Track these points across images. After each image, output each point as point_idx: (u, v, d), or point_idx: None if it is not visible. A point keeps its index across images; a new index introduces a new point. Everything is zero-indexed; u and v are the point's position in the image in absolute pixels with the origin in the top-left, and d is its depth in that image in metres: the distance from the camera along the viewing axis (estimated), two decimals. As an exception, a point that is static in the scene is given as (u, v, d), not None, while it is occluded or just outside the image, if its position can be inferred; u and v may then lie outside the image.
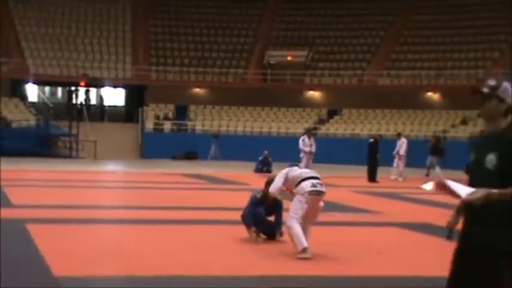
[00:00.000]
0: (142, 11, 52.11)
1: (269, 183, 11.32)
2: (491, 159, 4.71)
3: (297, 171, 10.74)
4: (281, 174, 10.80)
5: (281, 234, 11.45)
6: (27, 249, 10.05)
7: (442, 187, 4.73)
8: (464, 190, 4.63)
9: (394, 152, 29.22)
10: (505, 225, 4.62)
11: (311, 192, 10.29)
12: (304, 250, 10.06)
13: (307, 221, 10.54)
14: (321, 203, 10.71)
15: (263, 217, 11.54)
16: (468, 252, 4.77)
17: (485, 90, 4.89)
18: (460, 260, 4.82)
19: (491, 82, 4.94)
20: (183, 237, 11.89)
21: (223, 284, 8.42)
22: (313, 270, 9.30)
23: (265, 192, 11.46)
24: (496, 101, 4.85)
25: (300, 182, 10.39)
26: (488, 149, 4.78)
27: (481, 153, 4.82)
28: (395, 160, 29.41)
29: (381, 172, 27.71)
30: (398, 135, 30.37)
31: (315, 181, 10.43)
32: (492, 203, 4.54)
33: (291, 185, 10.55)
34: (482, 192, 4.53)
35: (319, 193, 10.41)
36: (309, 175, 10.59)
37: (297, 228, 10.20)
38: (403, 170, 29.37)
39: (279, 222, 11.58)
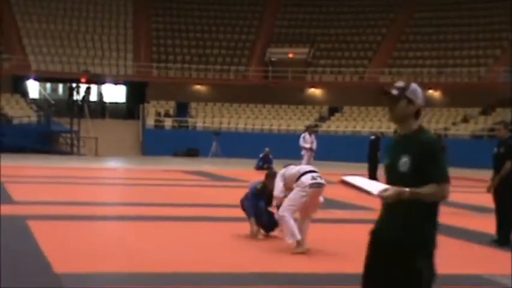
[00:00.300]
0: (144, 8, 52.10)
1: (269, 175, 11.45)
2: (404, 162, 4.73)
3: (294, 168, 10.81)
4: (279, 177, 10.90)
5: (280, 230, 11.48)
6: (28, 246, 10.07)
7: (345, 184, 4.80)
8: (375, 186, 4.66)
9: None
10: (410, 224, 4.70)
11: (312, 185, 10.37)
12: (298, 243, 10.13)
13: (306, 215, 10.59)
14: (321, 198, 10.76)
15: (263, 210, 11.60)
16: (377, 247, 4.84)
17: (394, 92, 4.87)
18: (370, 254, 4.87)
19: (399, 83, 4.95)
20: (185, 234, 11.90)
21: (224, 281, 8.43)
22: (312, 267, 9.31)
23: (265, 183, 11.56)
24: (405, 103, 4.86)
25: (299, 177, 10.46)
26: (402, 152, 4.79)
27: (395, 156, 4.84)
28: None
29: (382, 169, 27.68)
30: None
31: (314, 174, 10.52)
32: (403, 202, 4.60)
33: (290, 183, 10.60)
34: (394, 190, 4.57)
35: (320, 185, 10.50)
36: (307, 169, 10.72)
37: (290, 220, 10.29)
38: None
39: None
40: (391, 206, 4.68)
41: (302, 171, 10.66)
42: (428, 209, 4.75)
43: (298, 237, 10.16)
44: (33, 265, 8.87)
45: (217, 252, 10.21)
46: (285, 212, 10.37)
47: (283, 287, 8.26)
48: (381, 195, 4.59)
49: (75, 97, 45.05)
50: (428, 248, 4.73)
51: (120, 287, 7.90)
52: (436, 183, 4.69)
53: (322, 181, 10.58)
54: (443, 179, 4.74)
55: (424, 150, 4.73)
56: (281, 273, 8.94)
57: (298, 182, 10.43)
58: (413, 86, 4.94)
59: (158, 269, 8.83)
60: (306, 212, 10.59)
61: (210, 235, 11.74)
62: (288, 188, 10.77)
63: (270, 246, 10.82)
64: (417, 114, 4.92)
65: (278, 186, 10.80)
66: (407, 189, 4.58)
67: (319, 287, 8.39)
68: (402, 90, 4.89)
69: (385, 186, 4.64)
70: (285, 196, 11.02)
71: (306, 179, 10.40)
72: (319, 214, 14.70)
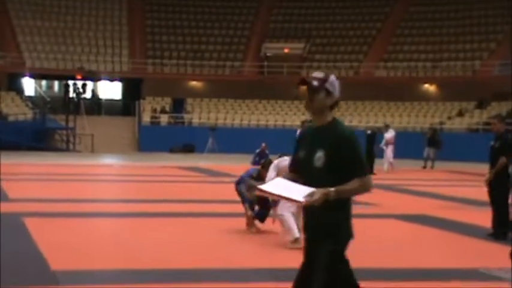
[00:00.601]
0: (139, 4, 52.02)
1: (266, 165, 11.52)
2: (319, 156, 4.68)
3: (287, 160, 10.80)
4: (272, 167, 10.98)
5: (273, 221, 11.48)
6: (24, 243, 10.06)
7: (264, 193, 4.68)
8: (299, 192, 4.57)
9: (382, 144, 28.96)
10: (331, 220, 4.68)
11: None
12: (296, 240, 10.17)
13: (299, 210, 10.66)
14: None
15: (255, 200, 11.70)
16: (307, 244, 4.88)
17: (315, 83, 4.81)
18: (304, 251, 4.91)
19: (319, 74, 4.86)
20: (181, 230, 11.91)
21: (221, 277, 8.43)
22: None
23: (261, 172, 11.69)
24: (324, 94, 4.80)
25: None
26: (316, 145, 4.74)
27: (310, 150, 4.78)
28: (386, 152, 29.06)
29: (378, 164, 27.73)
30: (387, 127, 30.06)
31: None
32: (330, 201, 4.56)
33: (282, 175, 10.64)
34: (320, 193, 4.52)
35: None
36: None
37: (289, 218, 10.39)
38: (393, 161, 29.01)
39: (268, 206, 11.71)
40: (312, 208, 4.62)
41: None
42: (346, 207, 4.75)
43: (297, 234, 10.21)
44: (30, 262, 8.86)
45: (214, 248, 10.22)
46: (283, 210, 10.48)
47: (280, 283, 8.26)
48: (308, 203, 4.52)
49: (72, 94, 45.03)
50: (339, 237, 4.71)
51: (116, 284, 7.90)
52: (358, 177, 4.63)
53: None
54: (364, 172, 4.68)
55: (339, 143, 4.66)
56: (278, 268, 8.94)
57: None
58: (332, 78, 4.88)
59: (154, 265, 8.83)
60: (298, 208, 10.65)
61: (207, 231, 11.75)
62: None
63: (266, 241, 10.83)
64: (333, 106, 4.86)
65: (270, 176, 10.83)
66: (332, 189, 4.53)
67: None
68: (322, 81, 4.82)
69: (309, 190, 4.55)
70: None
71: None
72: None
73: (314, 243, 4.77)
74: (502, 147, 11.68)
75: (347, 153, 4.64)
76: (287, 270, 8.89)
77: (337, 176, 4.61)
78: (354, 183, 4.61)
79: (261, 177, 11.59)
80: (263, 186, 4.70)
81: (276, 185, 4.68)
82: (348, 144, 4.67)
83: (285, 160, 10.84)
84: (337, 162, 4.63)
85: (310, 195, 4.52)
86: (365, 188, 4.69)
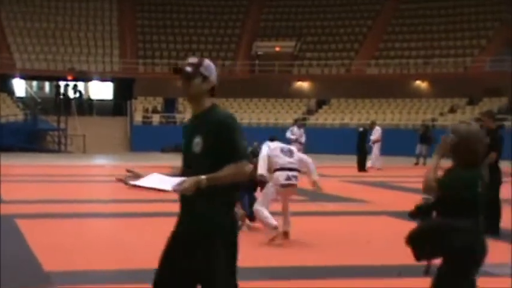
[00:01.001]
0: (129, 4, 51.96)
1: (253, 152, 11.59)
2: (197, 142, 4.58)
3: (276, 155, 10.83)
4: (263, 157, 10.97)
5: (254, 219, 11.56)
6: (17, 245, 10.04)
7: (136, 188, 4.56)
8: (170, 182, 4.45)
9: (370, 142, 28.83)
10: (209, 207, 4.52)
11: (283, 185, 10.61)
12: (275, 228, 10.35)
13: (283, 209, 10.89)
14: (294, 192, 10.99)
15: (246, 199, 11.75)
16: (179, 235, 4.69)
17: (188, 68, 4.71)
18: (172, 242, 4.74)
19: (193, 60, 4.76)
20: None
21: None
22: (302, 260, 9.32)
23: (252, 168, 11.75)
24: (200, 80, 4.69)
25: (275, 170, 10.60)
26: (195, 132, 4.64)
27: (189, 137, 4.69)
28: (373, 149, 28.94)
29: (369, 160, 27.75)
30: (373, 124, 29.89)
31: (290, 173, 10.66)
32: (203, 189, 4.41)
33: (269, 168, 10.73)
34: (190, 181, 4.39)
35: (292, 186, 10.70)
36: (285, 165, 10.72)
37: (263, 211, 10.52)
38: (380, 158, 28.91)
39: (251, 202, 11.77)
40: (186, 197, 4.50)
41: (280, 165, 10.72)
42: (224, 195, 4.57)
43: (274, 223, 10.38)
44: (23, 264, 8.84)
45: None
46: (257, 205, 10.68)
47: (275, 281, 8.26)
48: (177, 190, 4.39)
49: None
50: (225, 237, 4.57)
51: (110, 284, 7.89)
52: (233, 162, 4.49)
53: (295, 182, 10.73)
54: (240, 156, 4.54)
55: (217, 128, 4.55)
56: (268, 267, 8.95)
57: (273, 176, 10.58)
58: (207, 62, 4.77)
59: (148, 265, 8.80)
60: (282, 206, 10.86)
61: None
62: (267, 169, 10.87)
63: (260, 240, 10.83)
64: (211, 91, 4.74)
65: (262, 166, 10.83)
66: (203, 176, 4.40)
67: (312, 281, 8.39)
68: (196, 66, 4.71)
69: (181, 179, 4.43)
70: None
71: (281, 177, 10.62)
72: (309, 207, 14.73)
73: (189, 241, 4.60)
74: (493, 144, 11.71)
75: (224, 139, 4.52)
76: (282, 268, 8.90)
77: (215, 162, 4.48)
78: (227, 169, 4.47)
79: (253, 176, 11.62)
80: (136, 181, 4.57)
81: (150, 178, 4.54)
82: (225, 130, 4.54)
83: (275, 150, 10.91)
84: (214, 147, 4.51)
85: (181, 183, 4.38)
86: (240, 174, 4.53)
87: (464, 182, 4.98)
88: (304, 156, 11.49)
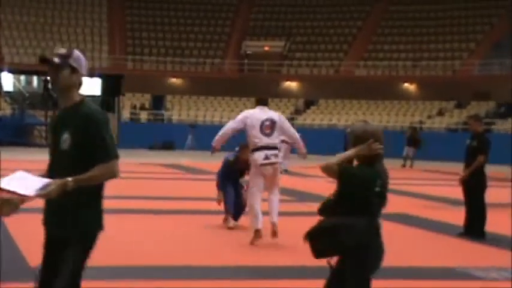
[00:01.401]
0: (119, 0, 51.85)
1: (242, 147, 11.60)
2: (65, 138, 4.38)
3: (255, 135, 10.55)
4: (237, 120, 10.84)
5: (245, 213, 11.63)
6: (3, 241, 9.99)
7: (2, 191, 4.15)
8: (34, 185, 4.20)
9: None
10: (78, 212, 4.39)
11: (263, 164, 10.41)
12: (256, 232, 10.20)
13: (269, 191, 10.66)
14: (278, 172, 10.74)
15: (232, 197, 11.84)
16: (49, 243, 4.59)
17: (56, 59, 4.51)
18: (45, 251, 4.64)
19: (62, 51, 4.57)
20: (163, 227, 11.89)
21: (204, 274, 8.41)
22: (290, 261, 9.32)
23: (238, 156, 11.80)
24: (69, 72, 4.48)
25: (253, 151, 10.46)
26: (63, 127, 4.43)
27: (57, 133, 4.47)
28: None
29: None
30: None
31: (268, 152, 10.45)
32: (73, 191, 4.24)
33: (248, 139, 10.63)
34: (56, 185, 4.21)
35: (272, 164, 10.47)
36: (263, 143, 10.49)
37: (255, 209, 10.35)
38: None
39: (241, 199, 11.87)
40: (58, 200, 4.31)
41: (258, 144, 10.46)
42: (90, 196, 4.45)
43: (258, 226, 10.24)
44: (9, 260, 8.80)
45: (196, 245, 10.21)
46: (251, 199, 10.49)
47: (265, 280, 8.26)
48: (41, 195, 4.20)
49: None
50: (83, 239, 4.46)
51: (97, 280, 7.86)
52: (102, 162, 4.36)
53: (275, 160, 10.49)
54: (109, 155, 4.42)
55: (86, 124, 4.37)
56: (259, 266, 8.95)
57: (252, 157, 10.46)
58: (77, 53, 4.55)
59: (137, 263, 8.81)
60: (266, 188, 10.68)
61: (189, 228, 11.74)
62: (236, 131, 10.77)
63: (246, 238, 10.82)
64: (81, 84, 4.55)
65: (227, 126, 10.87)
66: (70, 178, 4.23)
67: (301, 280, 8.39)
68: (65, 57, 4.50)
69: (46, 182, 4.23)
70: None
71: (259, 157, 10.41)
72: (297, 207, 14.75)
73: (57, 243, 4.50)
74: (480, 147, 11.73)
75: (92, 136, 4.36)
76: (271, 268, 8.91)
77: (83, 160, 4.34)
78: (96, 169, 4.33)
79: (240, 162, 11.70)
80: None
81: (13, 179, 4.24)
82: (94, 126, 4.38)
83: (253, 124, 10.63)
84: (82, 144, 4.35)
85: (45, 187, 4.20)
86: (109, 174, 4.42)
87: (360, 180, 4.89)
88: (289, 131, 11.05)
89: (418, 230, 12.45)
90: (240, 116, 10.82)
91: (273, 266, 9.02)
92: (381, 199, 5.00)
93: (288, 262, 9.20)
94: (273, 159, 10.43)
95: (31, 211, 13.61)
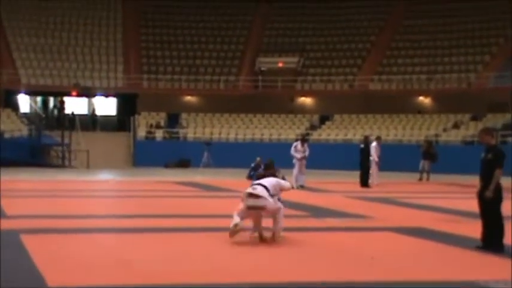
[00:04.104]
0: (133, 20, 52.15)
1: (268, 166, 12.44)
2: None
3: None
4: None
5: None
6: (21, 260, 10.05)
7: None
8: None
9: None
10: None
11: (248, 207, 11.67)
12: (235, 226, 11.58)
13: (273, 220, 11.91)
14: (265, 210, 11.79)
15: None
16: None
17: None
18: None
19: None
20: (179, 245, 11.90)
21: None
22: (306, 276, 9.32)
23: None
24: None
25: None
26: None
27: None
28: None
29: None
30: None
31: (250, 201, 11.66)
32: None
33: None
34: None
35: (255, 208, 11.64)
36: (249, 191, 11.75)
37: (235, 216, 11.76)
38: (376, 174, 28.14)
39: None
40: None
41: (247, 190, 11.79)
42: None
43: (236, 221, 11.51)
44: (27, 279, 8.85)
45: (212, 263, 10.21)
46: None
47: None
48: None
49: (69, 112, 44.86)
50: None
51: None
52: None
53: (259, 203, 11.58)
54: None
55: None
56: (274, 282, 8.94)
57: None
58: None
59: (153, 281, 8.83)
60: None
61: (204, 246, 11.74)
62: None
63: (264, 255, 10.82)
64: None
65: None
66: None
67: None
68: None
69: None
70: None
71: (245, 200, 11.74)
72: (313, 223, 14.73)
73: None
74: (495, 159, 11.69)
75: None
76: (287, 284, 8.91)
77: None
78: None
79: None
80: None
81: None
82: None
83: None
84: None
85: None
86: None
87: None
88: (279, 184, 12.13)
89: (436, 244, 12.41)
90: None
91: (289, 281, 9.01)
92: None
93: (307, 277, 9.19)
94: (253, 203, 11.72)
95: (50, 231, 13.73)
